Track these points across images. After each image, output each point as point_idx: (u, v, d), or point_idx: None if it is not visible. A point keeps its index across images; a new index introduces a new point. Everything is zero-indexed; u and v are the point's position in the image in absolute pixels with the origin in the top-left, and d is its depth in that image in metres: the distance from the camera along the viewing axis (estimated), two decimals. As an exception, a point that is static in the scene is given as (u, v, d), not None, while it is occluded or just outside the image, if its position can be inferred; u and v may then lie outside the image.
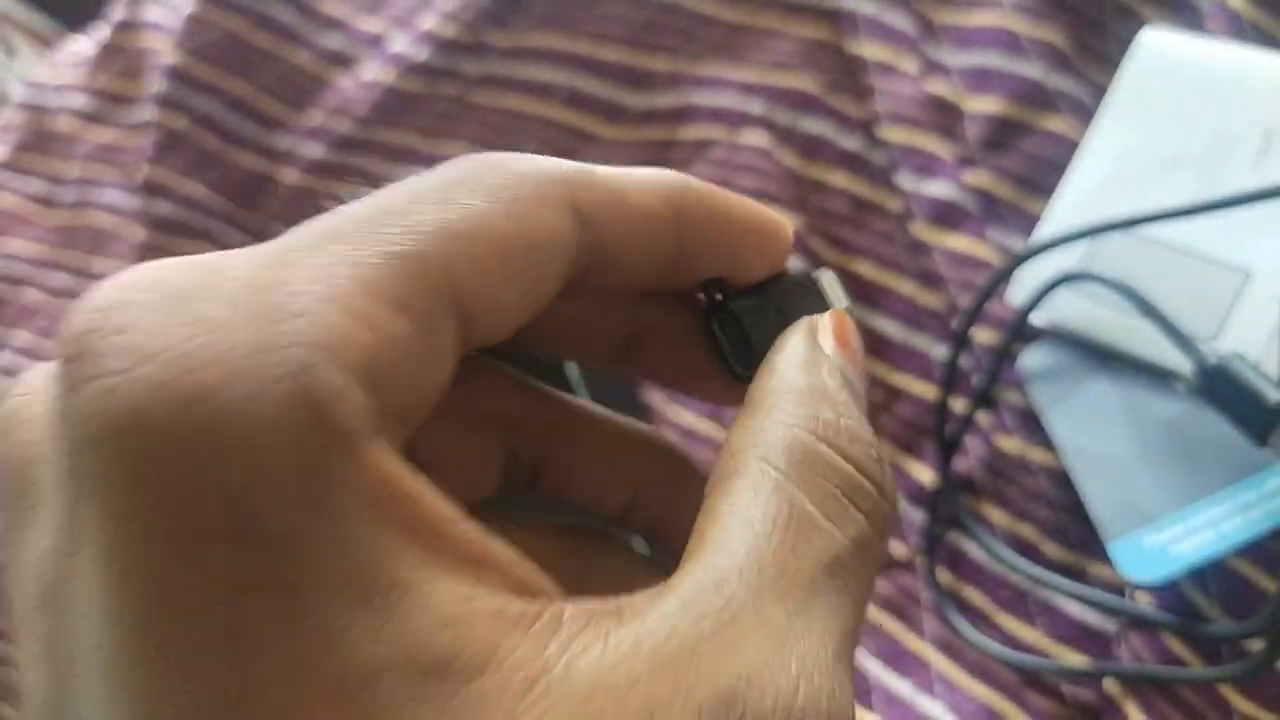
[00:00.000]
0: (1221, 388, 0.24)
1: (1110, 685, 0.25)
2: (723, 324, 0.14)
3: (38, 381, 0.10)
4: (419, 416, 0.10)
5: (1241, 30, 0.28)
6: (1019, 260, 0.28)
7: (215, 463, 0.08)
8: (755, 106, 0.35)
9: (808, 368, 0.12)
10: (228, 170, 0.44)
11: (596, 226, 0.12)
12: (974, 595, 0.28)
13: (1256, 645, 0.24)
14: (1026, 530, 0.28)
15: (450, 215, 0.10)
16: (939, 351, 0.31)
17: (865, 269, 0.32)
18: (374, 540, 0.08)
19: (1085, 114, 0.30)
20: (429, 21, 0.41)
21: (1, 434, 0.10)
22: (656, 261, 0.13)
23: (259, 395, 0.08)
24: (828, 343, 0.13)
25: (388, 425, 0.09)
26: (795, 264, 0.28)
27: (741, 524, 0.10)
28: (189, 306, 0.09)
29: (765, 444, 0.11)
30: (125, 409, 0.08)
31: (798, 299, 0.15)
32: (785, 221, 0.14)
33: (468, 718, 0.08)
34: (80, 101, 0.52)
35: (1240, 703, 0.24)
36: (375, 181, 0.42)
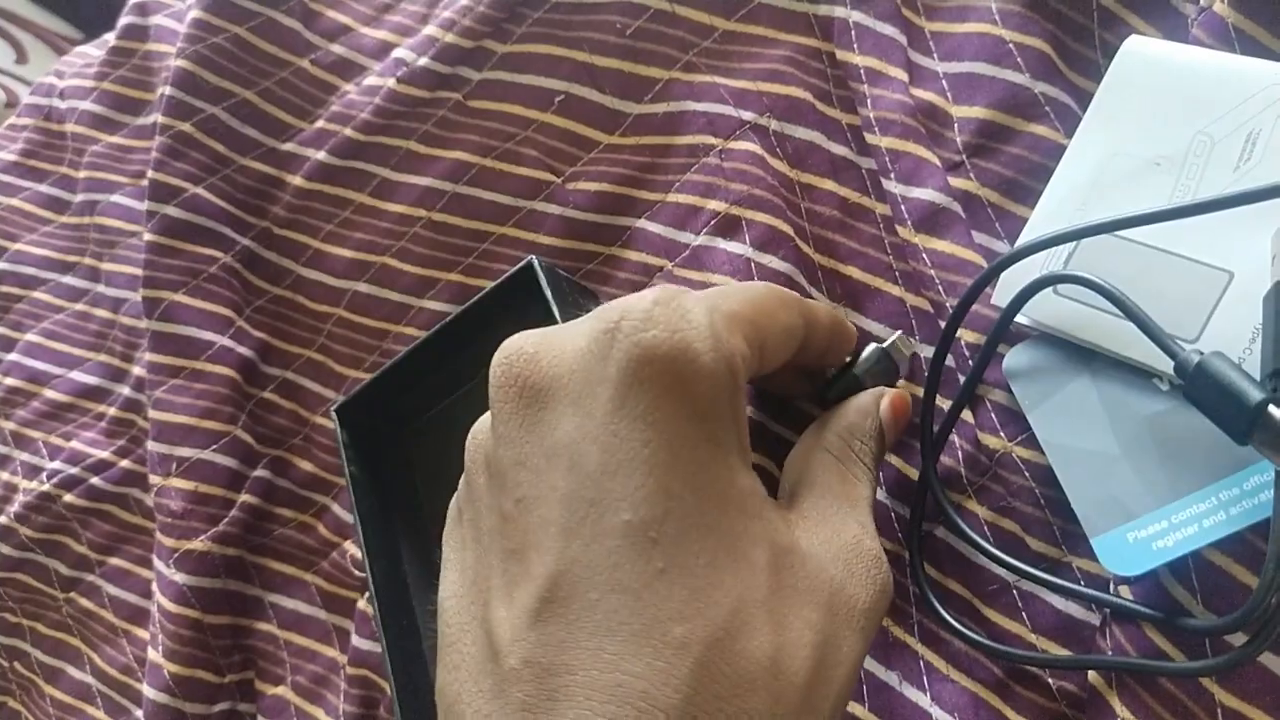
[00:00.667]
0: (1203, 387, 0.25)
1: (1094, 677, 0.26)
2: (831, 381, 0.29)
3: (538, 337, 0.20)
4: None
5: (1228, 36, 0.29)
6: (1004, 262, 0.28)
7: (700, 389, 0.18)
8: (747, 114, 0.36)
9: (864, 412, 0.25)
10: (233, 175, 0.45)
11: (809, 327, 0.24)
12: (959, 589, 0.29)
13: (1239, 639, 0.24)
14: (1010, 525, 0.28)
15: (770, 309, 0.22)
16: (926, 352, 0.31)
17: (854, 271, 0.33)
18: (744, 439, 0.20)
19: (1071, 119, 0.30)
20: (430, 29, 0.42)
21: (529, 359, 0.19)
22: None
23: (717, 360, 0.18)
24: (884, 405, 0.25)
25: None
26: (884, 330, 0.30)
27: (819, 478, 0.23)
28: (681, 315, 0.19)
29: (826, 438, 0.24)
30: (660, 353, 0.18)
31: (874, 365, 0.29)
32: (852, 328, 0.27)
33: (781, 522, 0.20)
34: (90, 105, 0.52)
35: (1222, 695, 0.24)
36: (376, 188, 0.42)
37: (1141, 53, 0.29)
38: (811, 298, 0.33)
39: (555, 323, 0.31)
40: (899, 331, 0.31)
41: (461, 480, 0.21)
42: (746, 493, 0.19)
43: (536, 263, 0.33)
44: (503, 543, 0.18)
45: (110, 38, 0.53)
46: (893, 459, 0.31)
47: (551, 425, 0.18)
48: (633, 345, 0.18)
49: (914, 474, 0.30)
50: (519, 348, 0.19)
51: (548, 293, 0.32)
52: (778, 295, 0.23)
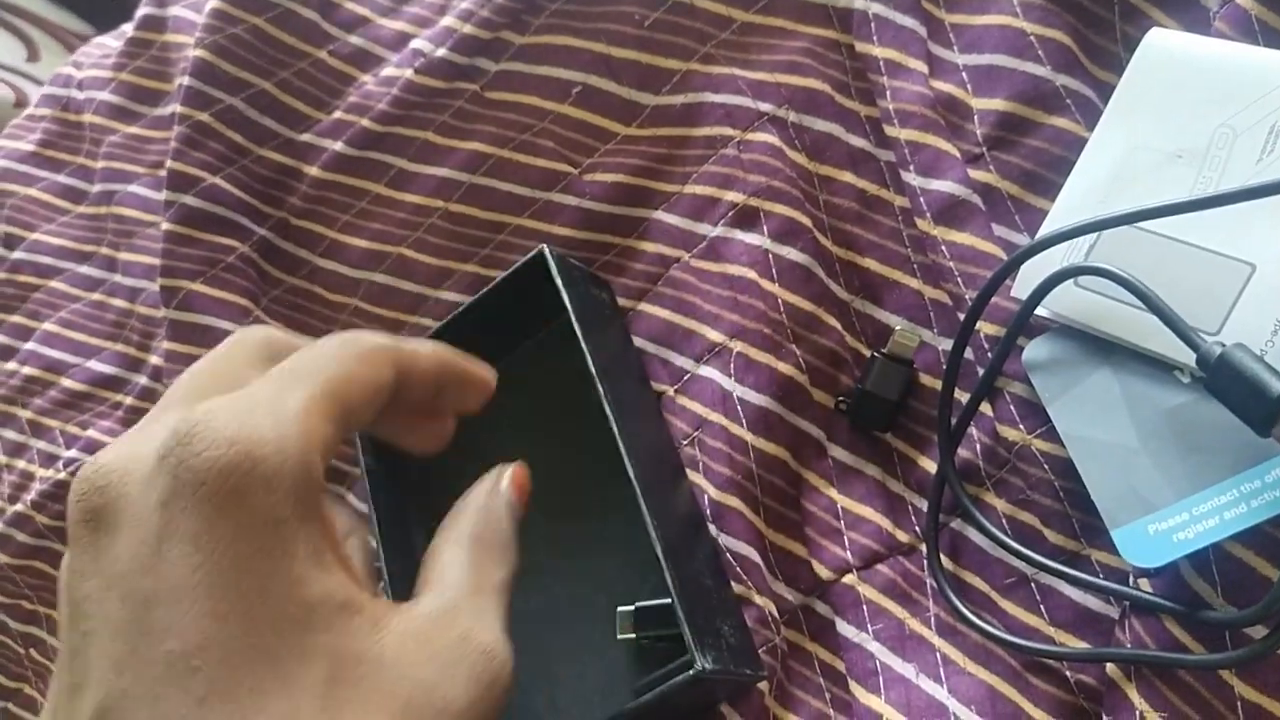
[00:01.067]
0: (1225, 379, 0.25)
1: (1113, 670, 0.26)
2: (851, 407, 0.32)
3: (114, 457, 0.19)
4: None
5: (1251, 29, 0.29)
6: (1024, 254, 0.28)
7: (262, 501, 0.17)
8: (766, 105, 0.36)
9: (489, 493, 0.24)
10: (251, 164, 0.45)
11: (402, 375, 0.22)
12: (976, 581, 0.29)
13: (1259, 631, 0.24)
14: (1028, 518, 0.28)
15: (346, 373, 0.20)
16: (945, 344, 0.31)
17: (872, 264, 0.33)
18: (320, 540, 0.18)
19: (1092, 112, 0.30)
20: (447, 19, 0.42)
21: (100, 485, 0.18)
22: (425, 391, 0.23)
23: (283, 464, 0.17)
24: (505, 482, 0.24)
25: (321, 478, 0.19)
26: None
27: (444, 574, 0.22)
28: (244, 419, 0.18)
29: (457, 528, 0.23)
30: (215, 471, 0.17)
31: (879, 374, 0.31)
32: (476, 368, 0.25)
33: (359, 629, 0.18)
34: (107, 95, 0.53)
35: (1243, 688, 0.24)
36: (393, 179, 0.43)
37: (1163, 45, 0.29)
38: (830, 289, 0.33)
39: (566, 313, 0.31)
40: (900, 325, 0.31)
41: None
42: (314, 604, 0.18)
43: (548, 252, 0.33)
44: (68, 678, 0.18)
45: (128, 28, 0.53)
46: (911, 452, 0.31)
47: (113, 555, 0.17)
48: (184, 468, 0.17)
49: (932, 467, 0.30)
50: (94, 470, 0.18)
51: (559, 282, 0.32)
52: (356, 352, 0.21)
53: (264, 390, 0.19)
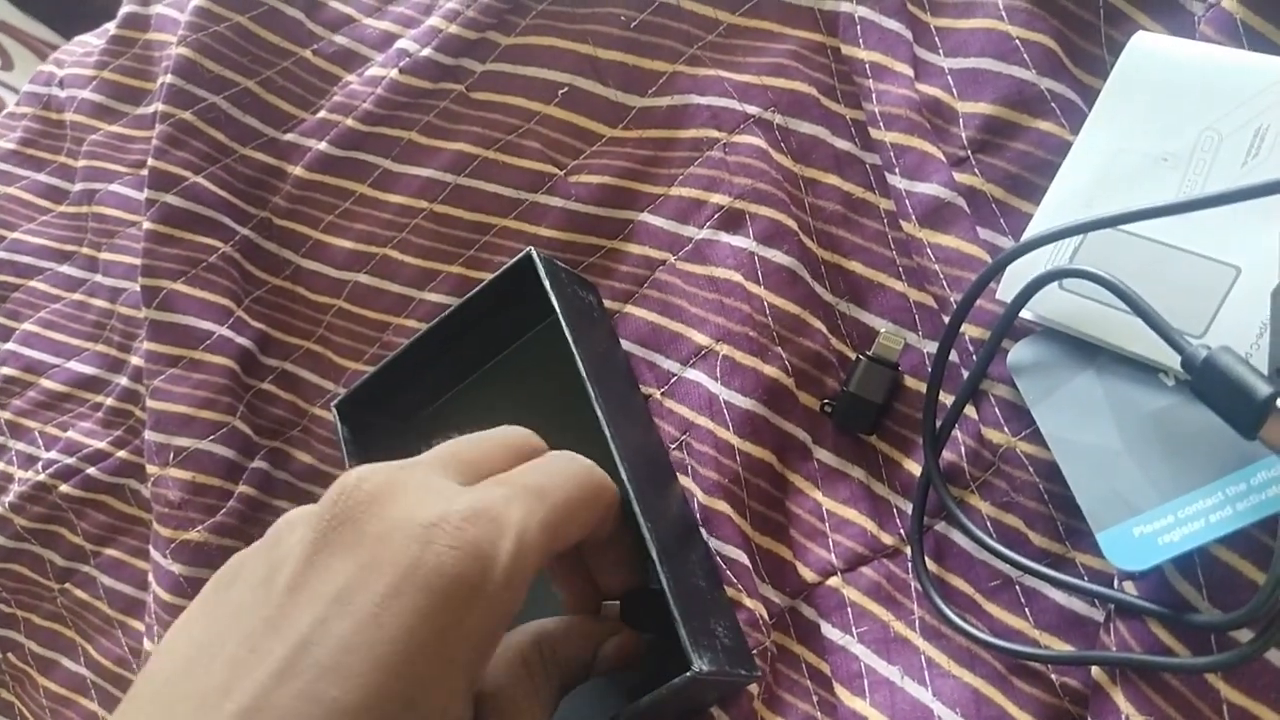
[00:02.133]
0: (1210, 381, 0.25)
1: (1098, 673, 0.26)
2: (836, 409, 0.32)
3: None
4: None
5: (1236, 32, 0.29)
6: (1009, 256, 0.28)
7: (475, 613, 0.19)
8: (752, 108, 0.36)
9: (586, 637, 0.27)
10: (233, 164, 0.45)
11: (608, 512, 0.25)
12: (961, 584, 0.28)
13: (1245, 635, 0.24)
14: (1013, 520, 0.28)
15: (570, 517, 0.23)
16: (930, 347, 0.31)
17: (858, 267, 0.33)
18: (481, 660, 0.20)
19: (1077, 115, 0.30)
20: (433, 20, 0.42)
21: (374, 504, 0.20)
22: None
23: (503, 589, 0.20)
24: (610, 647, 0.27)
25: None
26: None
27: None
28: (496, 540, 0.20)
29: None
30: (455, 573, 0.19)
31: (863, 377, 0.31)
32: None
33: None
34: (89, 93, 0.52)
35: (1229, 692, 0.24)
36: (377, 179, 0.42)
37: (1148, 49, 0.29)
38: (815, 292, 0.33)
39: (554, 316, 0.31)
40: (884, 328, 0.31)
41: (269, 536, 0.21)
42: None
43: (535, 254, 0.32)
44: (255, 627, 0.18)
45: (111, 26, 0.53)
46: (895, 454, 0.31)
47: (342, 572, 0.18)
48: (432, 554, 0.18)
49: (916, 469, 0.30)
50: (370, 490, 0.20)
51: (546, 284, 0.32)
52: (593, 492, 0.23)
53: (511, 517, 0.20)
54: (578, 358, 0.30)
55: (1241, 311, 0.26)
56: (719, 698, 0.29)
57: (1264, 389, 0.24)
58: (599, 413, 0.29)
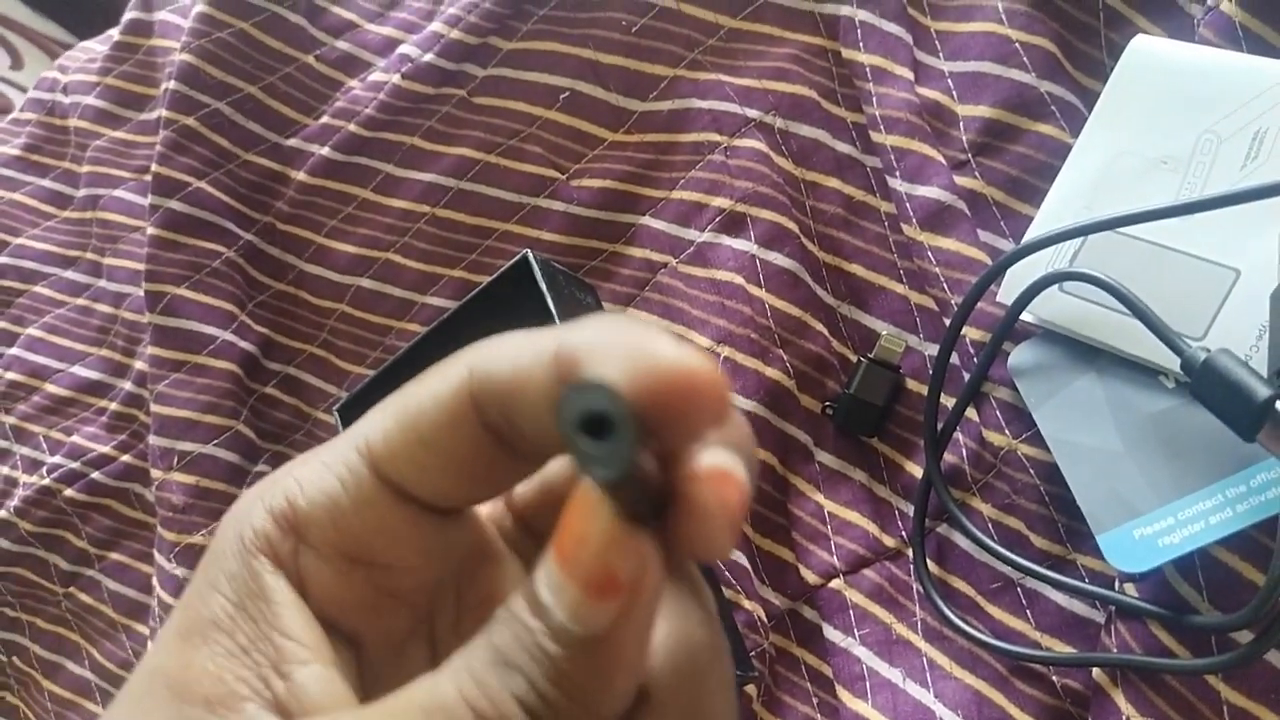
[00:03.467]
0: (1210, 384, 0.25)
1: (1099, 674, 0.26)
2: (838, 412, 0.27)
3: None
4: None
5: (1235, 36, 0.29)
6: (1010, 259, 0.28)
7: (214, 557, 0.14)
8: (753, 111, 0.36)
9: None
10: (236, 169, 0.45)
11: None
12: (963, 586, 0.29)
13: (1244, 636, 0.24)
14: (1014, 522, 0.28)
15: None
16: (931, 350, 0.31)
17: (858, 269, 0.33)
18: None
19: (1077, 118, 0.30)
20: (437, 25, 0.42)
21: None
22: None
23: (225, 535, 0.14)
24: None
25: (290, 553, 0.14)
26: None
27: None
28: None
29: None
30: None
31: (864, 378, 0.29)
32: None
33: None
34: (93, 99, 0.52)
35: (1229, 693, 0.24)
36: (380, 184, 0.42)
37: (1148, 52, 0.29)
38: (816, 295, 0.33)
39: (552, 318, 0.31)
40: (885, 330, 0.31)
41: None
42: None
43: (531, 256, 0.33)
44: None
45: (114, 33, 0.53)
46: (897, 457, 0.31)
47: None
48: None
49: (918, 472, 0.30)
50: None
51: (543, 286, 0.32)
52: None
53: None
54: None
55: (1241, 314, 0.26)
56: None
57: (1263, 391, 0.24)
58: None
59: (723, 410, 0.11)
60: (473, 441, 0.13)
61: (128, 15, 0.53)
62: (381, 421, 0.14)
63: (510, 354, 0.13)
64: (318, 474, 0.14)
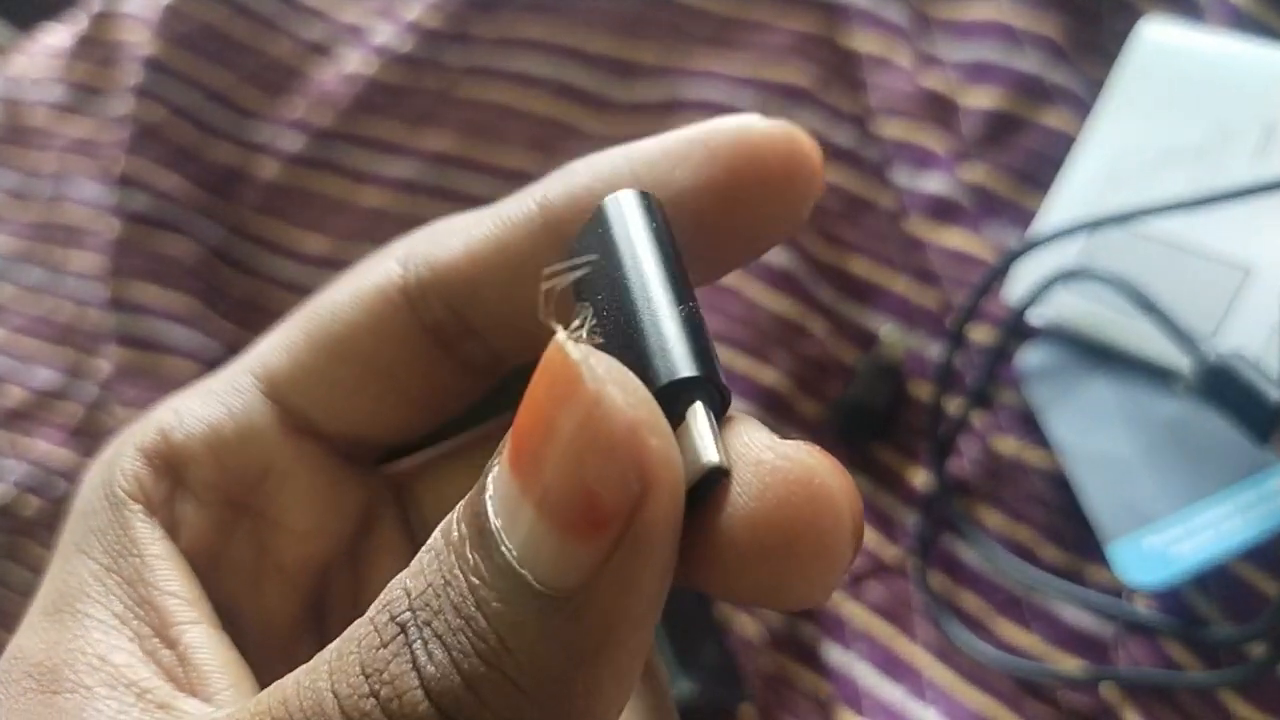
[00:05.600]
0: (1222, 386, 0.24)
1: (1108, 691, 0.25)
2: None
3: None
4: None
5: (1241, 22, 0.28)
6: (1015, 255, 0.27)
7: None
8: (746, 100, 0.34)
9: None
10: (204, 163, 0.43)
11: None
12: (968, 600, 0.28)
13: (1257, 649, 0.23)
14: (1022, 533, 0.27)
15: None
16: (934, 350, 0.30)
17: (859, 266, 0.32)
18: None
19: (1083, 108, 0.29)
20: (412, 11, 0.41)
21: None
22: None
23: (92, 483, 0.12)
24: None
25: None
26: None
27: None
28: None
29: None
30: None
31: (865, 374, 0.22)
32: None
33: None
34: (56, 94, 0.51)
35: (1240, 708, 0.23)
36: (355, 176, 0.41)
37: (1156, 39, 0.28)
38: (814, 294, 0.32)
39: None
40: (885, 325, 0.30)
41: None
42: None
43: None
44: None
45: (78, 24, 0.51)
46: (900, 464, 0.30)
47: None
48: None
49: (921, 479, 0.29)
50: None
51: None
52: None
53: None
54: None
55: (1253, 312, 0.26)
56: (711, 711, 0.28)
57: (1276, 394, 0.23)
58: None
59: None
60: (405, 349, 0.11)
61: (94, 7, 0.51)
62: (285, 337, 0.12)
63: (461, 234, 0.11)
64: (200, 402, 0.12)
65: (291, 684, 0.08)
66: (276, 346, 0.11)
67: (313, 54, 0.44)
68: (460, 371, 0.11)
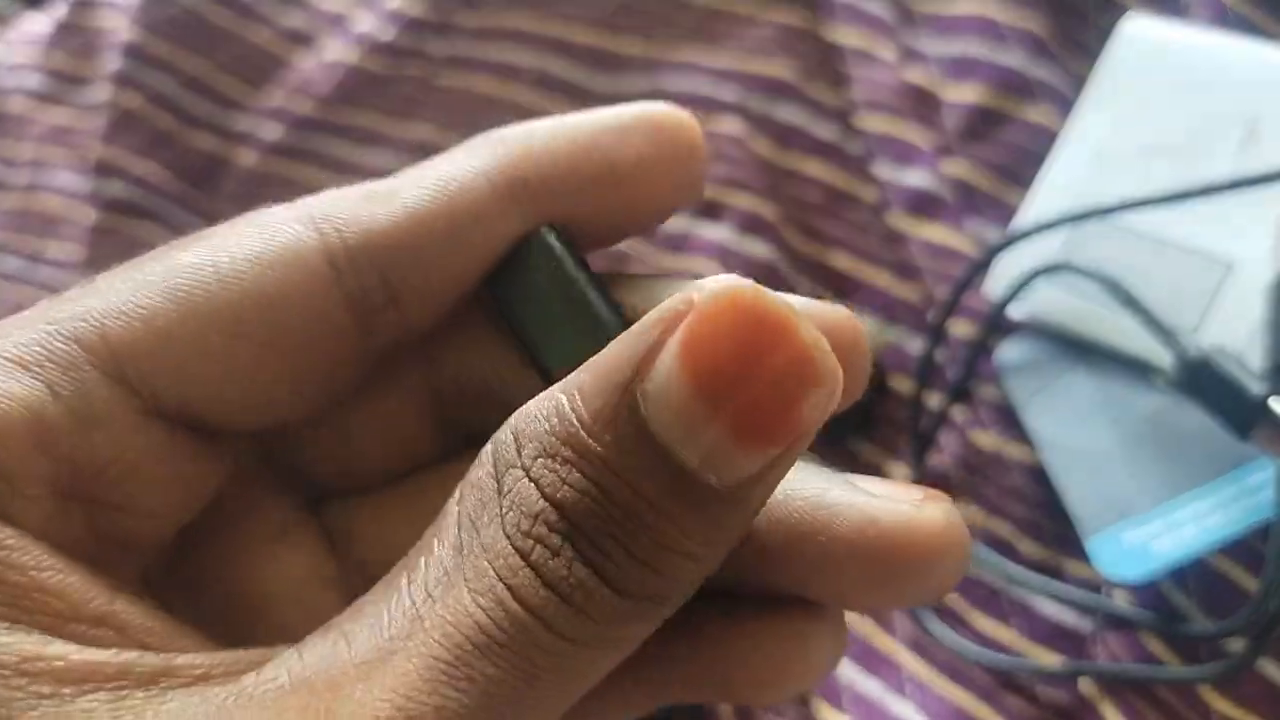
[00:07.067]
0: (1203, 381, 0.24)
1: (1086, 686, 0.25)
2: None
3: None
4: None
5: (1225, 18, 0.28)
6: (996, 250, 0.27)
7: None
8: (729, 93, 0.34)
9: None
10: (183, 151, 0.43)
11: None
12: (949, 594, 0.27)
13: (1236, 644, 0.23)
14: (1002, 528, 0.27)
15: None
16: (915, 345, 0.30)
17: (840, 260, 0.32)
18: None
19: (1066, 104, 0.29)
20: (394, 1, 0.40)
21: None
22: None
23: None
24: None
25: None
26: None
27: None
28: None
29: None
30: None
31: None
32: None
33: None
34: (34, 81, 0.50)
35: (1219, 703, 0.23)
36: (335, 166, 0.41)
37: (1139, 34, 0.28)
38: (795, 288, 0.32)
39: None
40: (866, 319, 0.30)
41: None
42: None
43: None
44: None
45: (56, 11, 0.51)
46: (879, 458, 0.30)
47: None
48: None
49: (901, 474, 0.29)
50: None
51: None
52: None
53: None
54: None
55: (1235, 307, 0.26)
56: (691, 717, 0.28)
57: (1257, 389, 0.23)
58: None
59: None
60: (320, 322, 0.10)
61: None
62: (132, 303, 0.10)
63: (393, 199, 0.11)
64: (19, 385, 0.09)
65: (435, 623, 0.08)
66: (117, 313, 0.10)
67: (293, 42, 0.43)
68: (364, 348, 0.11)
